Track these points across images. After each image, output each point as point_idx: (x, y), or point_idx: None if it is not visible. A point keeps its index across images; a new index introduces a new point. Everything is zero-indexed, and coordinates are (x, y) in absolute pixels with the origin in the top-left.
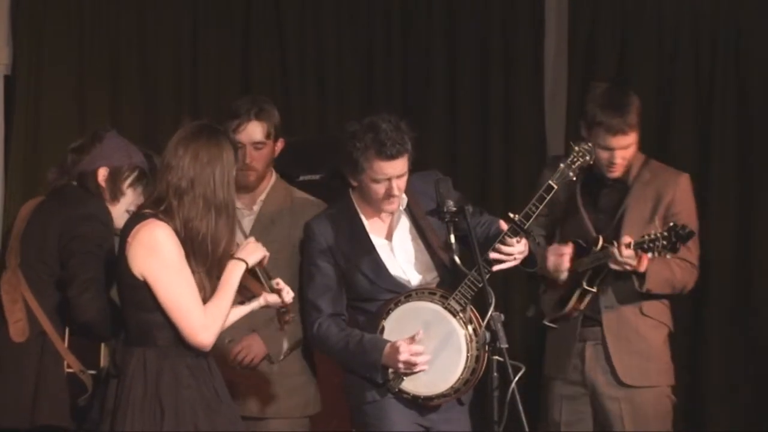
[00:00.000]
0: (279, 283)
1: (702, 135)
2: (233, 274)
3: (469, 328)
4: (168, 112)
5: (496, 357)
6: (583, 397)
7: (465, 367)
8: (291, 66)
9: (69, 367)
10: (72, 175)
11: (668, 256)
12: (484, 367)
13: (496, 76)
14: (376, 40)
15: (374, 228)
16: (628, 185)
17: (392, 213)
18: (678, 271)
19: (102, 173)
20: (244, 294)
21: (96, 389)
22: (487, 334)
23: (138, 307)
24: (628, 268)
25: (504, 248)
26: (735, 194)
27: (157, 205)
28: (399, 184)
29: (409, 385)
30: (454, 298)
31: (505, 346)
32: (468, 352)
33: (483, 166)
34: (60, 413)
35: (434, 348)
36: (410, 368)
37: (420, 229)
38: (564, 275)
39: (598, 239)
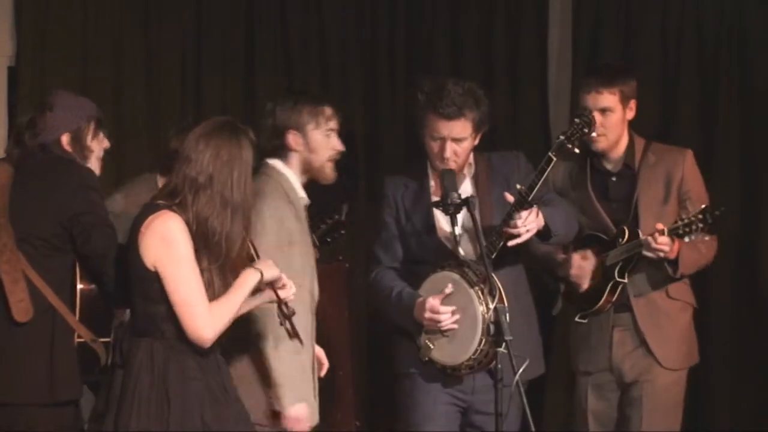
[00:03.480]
0: (281, 278)
1: (705, 128)
2: (247, 281)
3: (490, 303)
4: (172, 102)
5: (501, 349)
6: (611, 383)
7: (482, 340)
8: (295, 60)
9: (80, 337)
10: (33, 150)
11: (707, 238)
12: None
13: (500, 70)
14: (380, 36)
15: (438, 191)
16: (635, 171)
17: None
18: (704, 249)
19: (65, 139)
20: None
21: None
22: (492, 326)
23: (146, 297)
24: (662, 255)
25: (511, 222)
26: (738, 188)
27: (171, 197)
28: (454, 148)
29: (437, 354)
30: (472, 269)
31: (509, 338)
32: (483, 323)
33: None
34: (76, 387)
35: (458, 320)
36: (434, 325)
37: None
38: (584, 287)
39: (624, 231)
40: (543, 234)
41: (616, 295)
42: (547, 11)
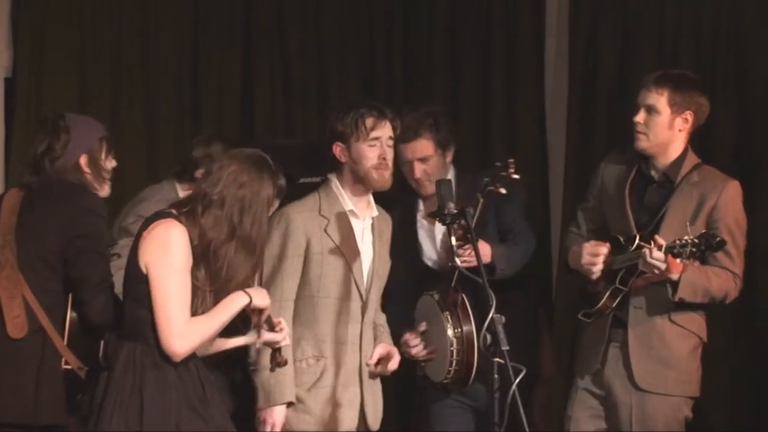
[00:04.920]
0: (280, 323)
1: (702, 135)
2: (233, 303)
3: (458, 329)
4: (169, 115)
5: (497, 359)
6: (598, 397)
7: (452, 361)
8: (292, 68)
9: (66, 363)
10: (51, 173)
11: (695, 264)
12: (476, 364)
13: (497, 77)
14: (377, 43)
15: (427, 208)
16: (675, 185)
17: (427, 196)
18: (715, 280)
19: (83, 161)
20: (245, 324)
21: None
22: (488, 337)
23: (136, 300)
24: (656, 272)
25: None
26: None
27: (182, 205)
28: (422, 168)
29: (428, 370)
30: (441, 297)
31: (505, 348)
32: (451, 346)
33: (483, 165)
34: (60, 412)
35: (435, 342)
36: (411, 357)
37: None
38: (595, 275)
39: (635, 238)
40: (488, 268)
41: (616, 302)
42: (543, 18)
